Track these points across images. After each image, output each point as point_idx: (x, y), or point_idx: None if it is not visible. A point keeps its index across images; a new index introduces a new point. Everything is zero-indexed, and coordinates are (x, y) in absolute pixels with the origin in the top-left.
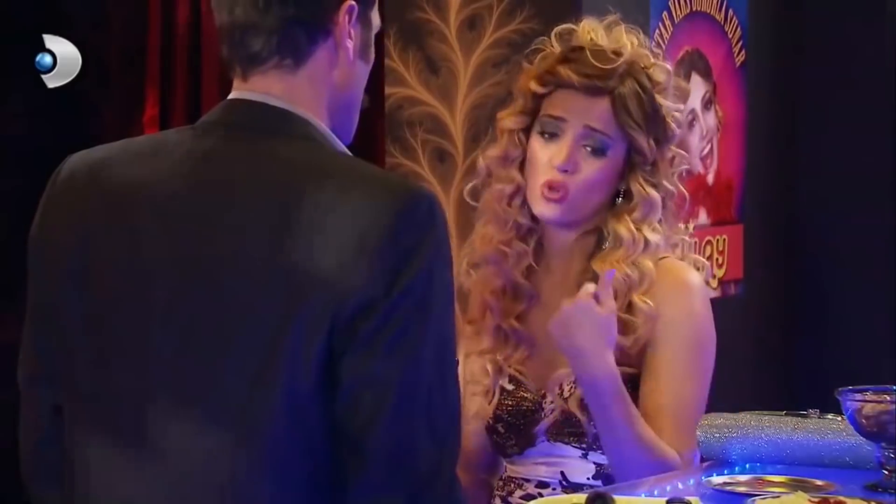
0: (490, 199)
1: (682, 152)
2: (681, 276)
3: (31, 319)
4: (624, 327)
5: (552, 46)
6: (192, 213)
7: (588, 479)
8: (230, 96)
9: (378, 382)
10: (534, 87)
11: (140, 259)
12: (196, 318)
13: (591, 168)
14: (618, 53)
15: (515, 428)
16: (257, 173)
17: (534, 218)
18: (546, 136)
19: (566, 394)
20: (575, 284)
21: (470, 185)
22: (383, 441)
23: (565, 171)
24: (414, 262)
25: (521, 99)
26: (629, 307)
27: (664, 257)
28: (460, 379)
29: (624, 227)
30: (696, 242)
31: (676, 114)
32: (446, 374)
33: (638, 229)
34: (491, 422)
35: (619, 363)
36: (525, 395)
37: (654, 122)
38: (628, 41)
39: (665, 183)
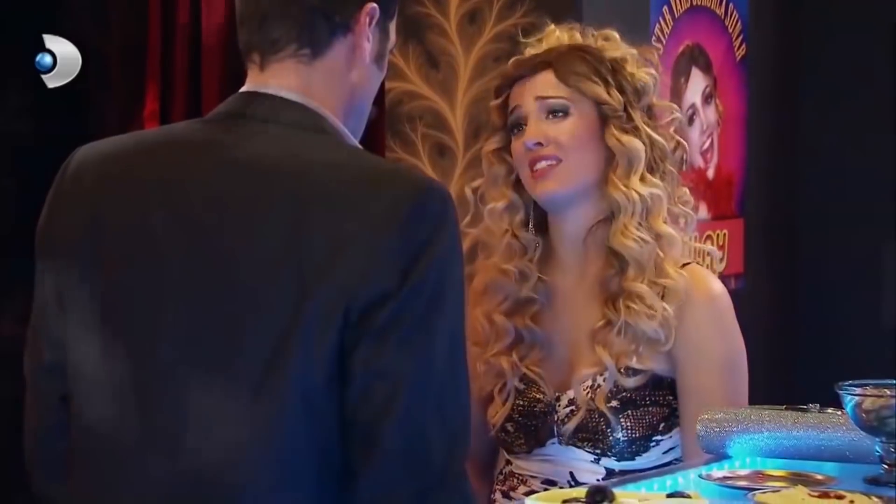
0: (485, 225)
1: (670, 104)
2: (707, 287)
3: (39, 310)
4: (650, 309)
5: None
6: (204, 205)
7: (598, 480)
8: (244, 88)
9: (389, 375)
10: (493, 101)
11: (152, 250)
12: (208, 310)
13: (559, 131)
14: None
15: (526, 428)
16: (271, 165)
17: (536, 226)
18: (515, 131)
19: (585, 394)
20: (596, 282)
21: (466, 218)
22: (394, 434)
23: (539, 145)
24: (426, 256)
25: (493, 123)
26: (662, 275)
27: (686, 264)
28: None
29: (613, 188)
30: (696, 236)
31: (646, 70)
32: (457, 367)
33: (626, 186)
34: (501, 420)
35: (648, 360)
36: (538, 395)
37: (612, 75)
38: (567, 35)
39: (648, 130)
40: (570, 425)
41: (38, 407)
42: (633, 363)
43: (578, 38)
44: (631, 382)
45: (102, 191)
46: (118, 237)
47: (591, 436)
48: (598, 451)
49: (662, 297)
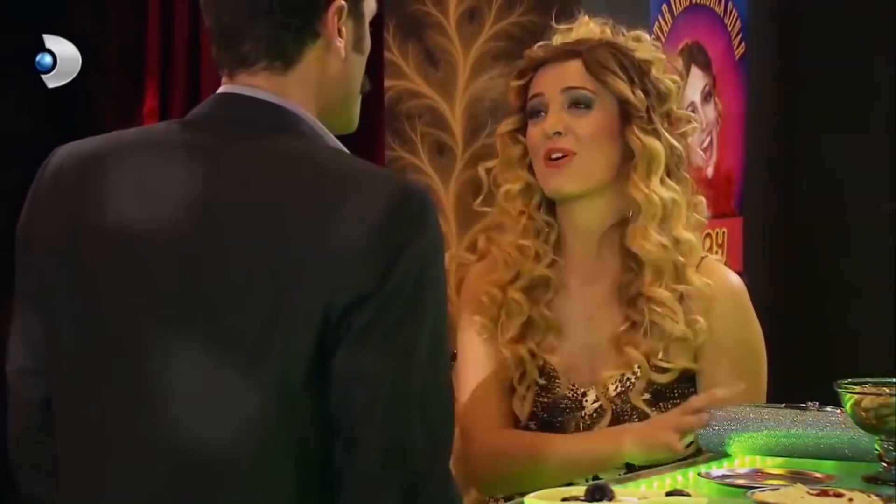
0: (501, 207)
1: (689, 113)
2: (727, 281)
3: (20, 312)
4: (673, 313)
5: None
6: (181, 207)
7: (619, 475)
8: (220, 90)
9: (370, 378)
10: (514, 82)
11: (131, 253)
12: (187, 312)
13: (581, 125)
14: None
15: (550, 425)
16: (249, 168)
17: (550, 210)
18: (534, 116)
19: (612, 392)
20: (614, 286)
21: (479, 199)
22: (377, 437)
23: (558, 135)
24: (406, 257)
25: (510, 105)
26: (683, 281)
27: (704, 257)
28: (467, 369)
29: (634, 188)
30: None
31: (671, 76)
32: (439, 369)
33: (647, 187)
34: (523, 419)
35: (678, 357)
36: (561, 391)
37: (638, 75)
38: (599, 29)
39: (668, 136)
40: (602, 424)
41: (20, 410)
42: (663, 361)
43: (609, 33)
44: (664, 378)
45: (81, 190)
46: (96, 237)
47: None
48: None
49: (681, 300)
